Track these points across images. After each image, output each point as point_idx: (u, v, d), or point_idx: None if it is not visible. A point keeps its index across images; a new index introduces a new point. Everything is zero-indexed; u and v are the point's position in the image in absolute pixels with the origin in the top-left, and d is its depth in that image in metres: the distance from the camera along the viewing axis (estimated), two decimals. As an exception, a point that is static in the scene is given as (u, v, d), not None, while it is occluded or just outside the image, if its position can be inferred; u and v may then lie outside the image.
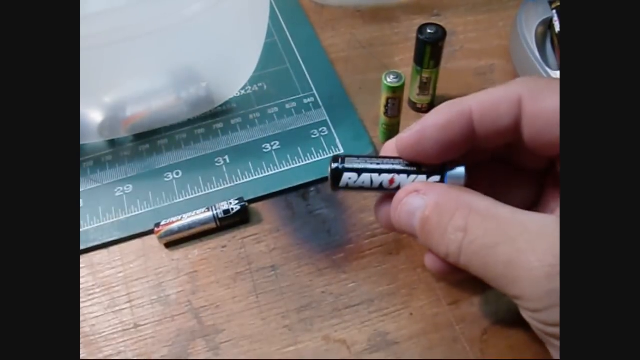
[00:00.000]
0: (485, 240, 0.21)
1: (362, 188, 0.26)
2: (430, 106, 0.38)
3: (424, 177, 0.25)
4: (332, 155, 0.35)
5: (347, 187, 0.26)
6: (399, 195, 0.25)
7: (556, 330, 0.21)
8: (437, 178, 0.25)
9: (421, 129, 0.24)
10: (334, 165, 0.26)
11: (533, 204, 0.27)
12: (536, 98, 0.23)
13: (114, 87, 0.35)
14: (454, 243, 0.22)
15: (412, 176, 0.25)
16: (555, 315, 0.20)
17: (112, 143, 0.38)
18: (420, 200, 0.24)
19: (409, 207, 0.24)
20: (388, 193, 0.26)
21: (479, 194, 0.23)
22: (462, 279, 0.25)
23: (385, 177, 0.26)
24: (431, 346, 0.28)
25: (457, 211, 0.22)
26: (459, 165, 0.25)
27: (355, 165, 0.26)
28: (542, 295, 0.20)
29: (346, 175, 0.26)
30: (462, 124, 0.24)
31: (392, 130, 0.35)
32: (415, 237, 0.25)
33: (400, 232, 0.28)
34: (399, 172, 0.26)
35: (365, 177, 0.26)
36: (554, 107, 0.22)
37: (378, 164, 0.26)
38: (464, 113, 0.24)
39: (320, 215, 0.33)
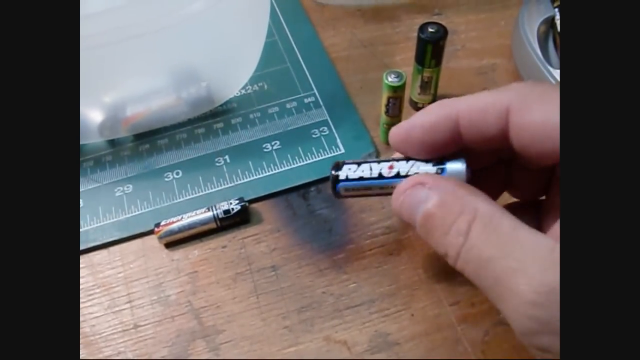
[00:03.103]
0: (481, 251, 0.21)
1: (362, 178, 0.26)
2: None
3: (422, 163, 0.25)
4: (333, 155, 0.35)
5: (347, 179, 0.26)
6: (403, 185, 0.24)
7: (538, 353, 0.20)
8: (434, 168, 0.25)
9: (408, 128, 0.25)
10: (334, 170, 0.27)
11: (540, 195, 0.27)
12: (524, 110, 0.22)
13: (114, 86, 0.35)
14: (454, 246, 0.22)
15: (411, 162, 0.25)
16: (537, 340, 0.20)
17: (112, 143, 0.37)
18: (426, 193, 0.23)
19: (412, 199, 0.23)
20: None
21: (485, 196, 0.22)
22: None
23: (384, 164, 0.26)
24: (432, 347, 0.28)
25: (462, 214, 0.22)
26: (459, 159, 0.25)
27: (354, 160, 0.27)
28: (523, 319, 0.20)
29: (346, 167, 0.26)
30: (447, 127, 0.24)
31: (393, 130, 0.35)
32: (414, 228, 0.24)
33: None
34: (397, 159, 0.26)
35: (365, 166, 0.26)
36: (542, 119, 0.21)
37: (377, 159, 0.27)
38: (450, 117, 0.23)
39: (320, 215, 0.33)
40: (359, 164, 0.26)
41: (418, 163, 0.25)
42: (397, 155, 0.27)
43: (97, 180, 0.36)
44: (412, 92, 0.37)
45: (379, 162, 0.26)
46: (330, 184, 0.27)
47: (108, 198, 0.35)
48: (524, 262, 0.20)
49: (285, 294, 0.30)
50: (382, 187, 0.26)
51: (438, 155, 0.25)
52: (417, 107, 0.38)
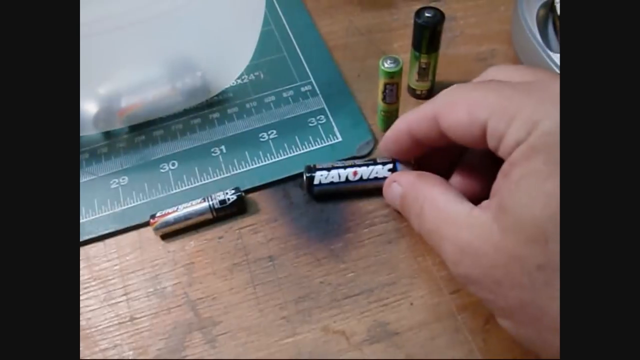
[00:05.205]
0: (428, 226, 0.27)
1: (332, 183, 0.31)
2: (430, 92, 0.37)
3: (380, 167, 0.31)
4: (330, 143, 0.34)
5: (320, 184, 0.32)
6: (386, 183, 0.31)
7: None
8: (390, 166, 0.31)
9: (383, 144, 0.31)
10: (308, 173, 0.32)
11: None
12: (446, 115, 0.26)
13: (108, 77, 0.35)
14: (415, 224, 0.28)
15: (371, 167, 0.31)
16: (468, 288, 0.25)
17: (108, 135, 0.37)
18: (397, 187, 0.30)
19: (391, 194, 0.31)
20: (362, 185, 0.32)
21: (434, 181, 0.28)
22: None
23: (350, 170, 0.32)
24: (432, 336, 0.28)
25: (417, 200, 0.28)
26: (407, 160, 0.31)
27: (325, 166, 0.32)
28: (455, 275, 0.25)
29: (318, 173, 0.32)
30: (407, 137, 0.29)
31: (390, 117, 0.35)
32: None
33: None
34: (359, 165, 0.32)
35: (334, 172, 0.32)
36: (460, 120, 0.25)
37: (343, 163, 0.32)
38: (404, 130, 0.29)
39: (318, 204, 0.33)
40: (328, 169, 0.32)
41: (376, 167, 0.31)
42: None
43: (93, 173, 0.35)
44: (410, 79, 0.37)
45: (344, 167, 0.32)
46: (305, 183, 0.32)
47: (103, 190, 0.34)
48: (447, 230, 0.25)
49: (283, 284, 0.30)
50: (349, 188, 0.32)
51: (419, 155, 0.31)
52: (415, 94, 0.37)
